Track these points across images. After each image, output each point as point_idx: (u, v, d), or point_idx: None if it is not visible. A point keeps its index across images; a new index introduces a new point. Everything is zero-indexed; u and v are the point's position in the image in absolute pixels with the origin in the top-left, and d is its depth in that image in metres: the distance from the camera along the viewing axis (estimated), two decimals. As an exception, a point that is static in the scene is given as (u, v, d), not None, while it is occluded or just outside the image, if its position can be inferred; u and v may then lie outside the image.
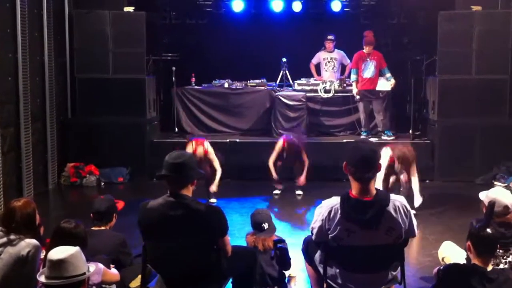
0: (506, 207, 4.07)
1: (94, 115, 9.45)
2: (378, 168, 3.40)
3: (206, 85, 10.63)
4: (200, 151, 7.52)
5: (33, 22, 8.21)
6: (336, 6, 11.30)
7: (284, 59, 10.54)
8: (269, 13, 11.44)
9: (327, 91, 10.21)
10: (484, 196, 4.27)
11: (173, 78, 10.24)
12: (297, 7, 11.28)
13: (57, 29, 9.13)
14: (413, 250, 5.70)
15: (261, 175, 8.47)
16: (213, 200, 7.83)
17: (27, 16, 7.90)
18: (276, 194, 8.36)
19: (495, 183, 8.73)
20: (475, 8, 9.32)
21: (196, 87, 10.58)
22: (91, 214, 4.66)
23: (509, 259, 3.91)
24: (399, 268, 3.58)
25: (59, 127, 9.20)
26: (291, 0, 11.20)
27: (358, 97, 9.81)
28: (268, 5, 11.36)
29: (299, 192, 8.37)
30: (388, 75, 9.78)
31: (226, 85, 10.40)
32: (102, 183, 9.07)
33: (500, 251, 3.91)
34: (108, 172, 9.17)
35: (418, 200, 7.02)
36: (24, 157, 7.82)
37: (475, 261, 3.55)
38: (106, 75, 9.50)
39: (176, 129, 10.10)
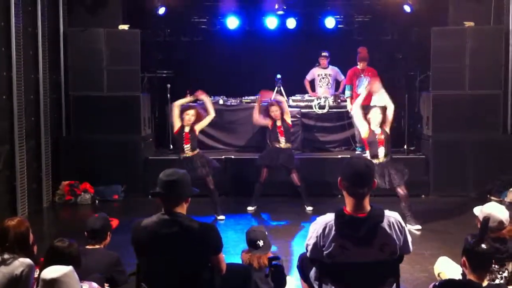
0: (500, 222, 4.07)
1: (88, 133, 9.44)
2: (373, 184, 3.39)
3: (200, 102, 10.61)
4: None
5: (27, 40, 8.23)
6: (329, 23, 11.38)
7: (278, 76, 10.55)
8: (263, 30, 11.52)
9: (321, 107, 10.24)
10: (479, 211, 4.27)
11: (168, 95, 10.26)
12: (291, 24, 11.36)
13: (52, 47, 9.15)
14: (408, 266, 5.67)
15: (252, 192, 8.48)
16: (221, 217, 7.91)
17: (22, 35, 7.93)
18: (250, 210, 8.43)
19: (490, 197, 8.75)
20: (468, 24, 9.40)
21: (190, 104, 10.56)
22: (86, 233, 4.64)
23: (504, 274, 3.90)
24: (394, 284, 3.56)
25: (54, 145, 9.18)
26: (285, 17, 11.27)
27: (352, 112, 9.83)
28: (262, 22, 11.43)
29: (309, 208, 8.39)
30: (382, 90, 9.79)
31: (221, 101, 10.42)
32: (97, 201, 9.04)
33: (496, 266, 3.90)
34: (102, 189, 9.14)
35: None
36: (18, 175, 7.80)
37: (470, 276, 3.54)
38: (100, 93, 9.51)
39: (171, 146, 10.09)
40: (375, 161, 7.17)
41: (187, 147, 7.86)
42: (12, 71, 7.71)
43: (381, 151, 7.30)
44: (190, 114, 7.90)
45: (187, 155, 7.86)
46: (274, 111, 8.43)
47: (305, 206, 8.42)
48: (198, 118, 8.00)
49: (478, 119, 9.33)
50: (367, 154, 8.07)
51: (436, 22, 9.78)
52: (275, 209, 8.48)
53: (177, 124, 7.95)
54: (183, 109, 7.98)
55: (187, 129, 7.89)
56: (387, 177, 7.21)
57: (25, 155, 7.99)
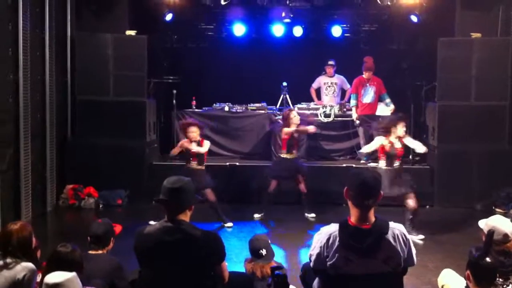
0: (505, 235, 4.04)
1: (93, 137, 9.42)
2: (379, 197, 3.37)
3: (206, 108, 10.65)
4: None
5: (35, 43, 8.25)
6: (336, 32, 11.39)
7: (284, 83, 10.59)
8: (270, 38, 11.54)
9: (327, 116, 10.25)
10: (484, 224, 4.24)
11: (174, 101, 10.28)
12: (297, 32, 11.37)
13: (59, 50, 9.18)
14: (412, 278, 5.63)
15: (260, 199, 8.47)
16: (229, 224, 7.91)
17: (29, 38, 7.94)
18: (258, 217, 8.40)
19: (496, 209, 8.70)
20: (475, 35, 9.39)
21: (196, 110, 10.60)
22: (88, 238, 4.63)
23: (509, 288, 3.87)
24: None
25: (59, 147, 9.19)
26: (292, 25, 11.28)
27: (357, 122, 9.84)
28: (269, 30, 11.44)
29: (311, 215, 8.36)
30: (388, 100, 9.83)
31: (226, 108, 10.43)
32: (101, 206, 9.04)
33: (500, 279, 3.87)
34: (106, 194, 9.14)
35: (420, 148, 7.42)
36: (23, 177, 7.78)
37: (474, 289, 3.51)
38: (106, 97, 9.53)
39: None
40: (389, 168, 7.22)
41: (193, 162, 7.81)
42: (19, 73, 7.72)
43: (397, 163, 7.32)
44: (194, 130, 7.80)
45: (192, 167, 7.80)
46: (293, 117, 8.32)
47: (306, 214, 8.38)
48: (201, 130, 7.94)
49: (484, 130, 9.29)
50: (372, 164, 8.08)
51: (443, 32, 9.76)
52: (280, 217, 8.45)
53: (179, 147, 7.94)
54: (184, 127, 7.94)
55: (194, 147, 7.77)
56: (397, 183, 7.20)
57: (30, 157, 7.98)
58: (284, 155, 8.36)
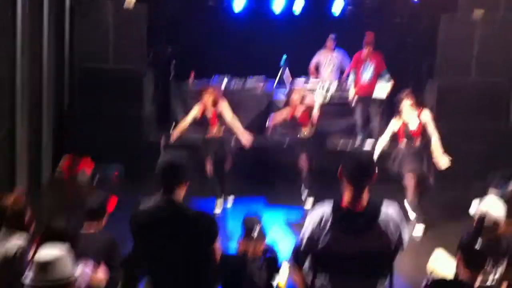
0: (495, 222, 4.05)
1: (91, 107, 9.36)
2: (373, 176, 3.37)
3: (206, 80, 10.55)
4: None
5: (33, 10, 8.10)
6: (338, 4, 11.26)
7: (284, 56, 10.48)
8: (270, 12, 11.42)
9: (326, 91, 10.17)
10: (476, 209, 4.25)
11: (172, 71, 10.22)
12: (298, 5, 11.24)
13: (58, 19, 9.07)
14: (403, 261, 5.64)
15: (256, 175, 8.45)
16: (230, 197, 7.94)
17: (28, 4, 7.81)
18: None
19: (490, 189, 8.69)
20: (478, 11, 9.26)
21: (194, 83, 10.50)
22: (84, 210, 4.63)
23: (496, 276, 3.90)
24: (388, 276, 3.56)
25: (56, 117, 9.15)
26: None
27: (354, 103, 9.79)
28: (269, 3, 11.32)
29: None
30: (387, 76, 9.74)
31: (225, 80, 10.33)
32: (97, 178, 9.00)
33: (490, 263, 3.89)
34: (103, 166, 9.09)
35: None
36: (18, 148, 7.72)
37: (464, 273, 3.54)
38: (106, 65, 9.46)
39: (174, 124, 10.03)
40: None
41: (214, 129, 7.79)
42: (16, 42, 7.58)
43: (417, 140, 7.22)
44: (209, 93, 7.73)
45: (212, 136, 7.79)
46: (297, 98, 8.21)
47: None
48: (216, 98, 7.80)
49: (485, 108, 9.22)
50: (369, 142, 8.01)
51: (446, 8, 9.62)
52: (276, 193, 8.46)
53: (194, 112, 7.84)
54: (201, 90, 7.88)
55: (209, 113, 7.74)
56: (423, 161, 7.14)
57: (26, 127, 7.92)
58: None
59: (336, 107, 10.20)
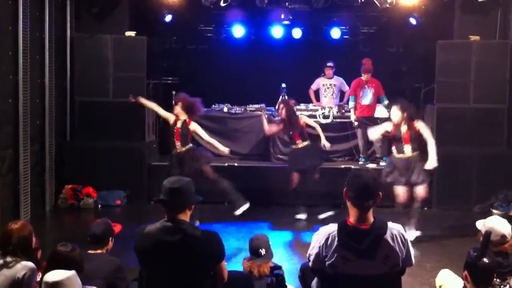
0: (503, 236, 4.06)
1: (93, 138, 9.45)
2: (378, 197, 3.40)
3: (205, 110, 10.62)
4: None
5: (34, 45, 8.26)
6: (335, 34, 11.42)
7: (283, 85, 10.58)
8: (269, 40, 11.57)
9: (325, 117, 10.27)
10: (481, 225, 4.26)
11: (173, 101, 10.26)
12: (296, 34, 11.40)
13: (59, 52, 9.19)
14: (410, 278, 5.65)
15: (259, 200, 8.46)
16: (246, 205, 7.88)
17: (29, 39, 7.95)
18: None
19: (493, 211, 8.73)
20: (473, 38, 9.42)
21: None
22: (88, 238, 4.64)
23: (506, 290, 3.89)
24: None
25: (58, 149, 9.20)
26: (291, 27, 11.31)
27: (356, 123, 9.86)
28: (268, 31, 11.47)
29: (301, 216, 8.38)
30: (386, 102, 9.82)
31: (225, 109, 10.44)
32: (100, 206, 9.05)
33: (497, 280, 3.88)
34: (105, 194, 9.15)
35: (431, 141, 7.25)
36: (22, 178, 7.78)
37: (472, 291, 3.53)
38: (106, 98, 9.54)
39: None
40: (401, 156, 7.23)
41: (177, 143, 7.70)
42: (19, 75, 7.72)
43: (407, 147, 7.28)
44: (178, 106, 7.73)
45: (178, 151, 7.68)
46: (280, 108, 8.47)
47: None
48: (189, 109, 7.75)
49: (483, 133, 9.32)
50: (371, 165, 8.07)
51: (442, 35, 9.79)
52: (280, 218, 8.47)
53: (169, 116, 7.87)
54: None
55: (178, 124, 7.73)
56: (411, 172, 7.20)
57: (29, 158, 7.99)
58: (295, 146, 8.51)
59: (337, 131, 10.28)
